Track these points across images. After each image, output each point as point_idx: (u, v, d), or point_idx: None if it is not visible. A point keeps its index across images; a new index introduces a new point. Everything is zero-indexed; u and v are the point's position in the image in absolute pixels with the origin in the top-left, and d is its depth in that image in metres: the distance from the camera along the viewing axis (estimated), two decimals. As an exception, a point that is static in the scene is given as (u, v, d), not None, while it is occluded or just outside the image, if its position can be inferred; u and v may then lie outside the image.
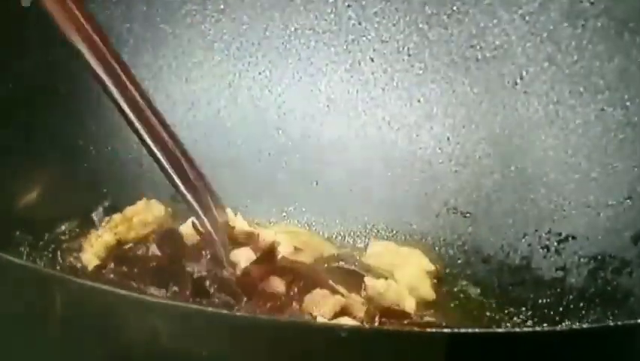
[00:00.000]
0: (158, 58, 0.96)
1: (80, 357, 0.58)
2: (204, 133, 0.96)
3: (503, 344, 0.54)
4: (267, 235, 0.84)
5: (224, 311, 0.66)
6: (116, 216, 0.89)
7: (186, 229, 0.85)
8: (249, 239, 0.84)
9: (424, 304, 0.85)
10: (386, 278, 0.83)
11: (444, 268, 0.90)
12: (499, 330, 0.75)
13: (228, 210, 0.86)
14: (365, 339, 0.54)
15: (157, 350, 0.55)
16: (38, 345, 0.59)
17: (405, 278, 0.86)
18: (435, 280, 0.89)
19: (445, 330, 0.57)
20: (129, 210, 0.89)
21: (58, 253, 0.88)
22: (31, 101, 0.92)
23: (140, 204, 0.90)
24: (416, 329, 0.75)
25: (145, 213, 0.88)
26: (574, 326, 0.63)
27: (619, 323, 0.59)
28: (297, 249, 0.85)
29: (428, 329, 0.68)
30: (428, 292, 0.87)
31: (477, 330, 0.65)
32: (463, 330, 0.55)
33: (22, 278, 0.59)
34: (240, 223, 0.85)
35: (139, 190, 0.93)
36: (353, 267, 0.85)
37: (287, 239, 0.86)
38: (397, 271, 0.87)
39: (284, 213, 0.96)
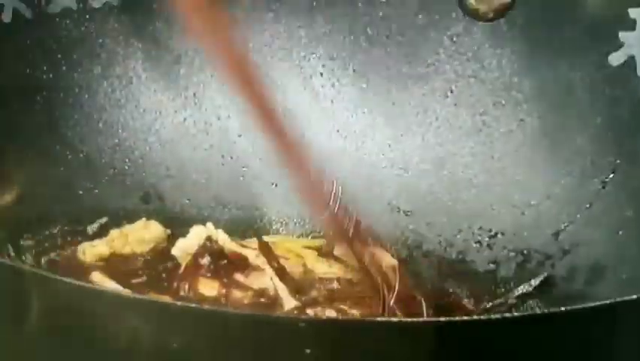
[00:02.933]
0: (128, 70, 0.99)
1: (62, 356, 0.60)
2: (171, 139, 0.99)
3: (443, 333, 0.56)
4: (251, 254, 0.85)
5: (206, 306, 0.65)
6: (114, 231, 0.91)
7: (177, 251, 0.88)
8: (239, 258, 0.85)
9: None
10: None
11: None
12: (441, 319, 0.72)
13: (209, 225, 0.90)
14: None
15: (139, 347, 0.57)
16: (20, 344, 0.61)
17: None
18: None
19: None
20: (127, 228, 0.92)
21: (44, 257, 0.90)
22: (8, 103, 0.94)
23: (139, 223, 0.92)
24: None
25: (142, 232, 0.91)
26: (505, 315, 0.67)
27: (545, 310, 0.64)
28: (282, 257, 0.87)
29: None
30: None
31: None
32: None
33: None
34: (222, 238, 0.87)
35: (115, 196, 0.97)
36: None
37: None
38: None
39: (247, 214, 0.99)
